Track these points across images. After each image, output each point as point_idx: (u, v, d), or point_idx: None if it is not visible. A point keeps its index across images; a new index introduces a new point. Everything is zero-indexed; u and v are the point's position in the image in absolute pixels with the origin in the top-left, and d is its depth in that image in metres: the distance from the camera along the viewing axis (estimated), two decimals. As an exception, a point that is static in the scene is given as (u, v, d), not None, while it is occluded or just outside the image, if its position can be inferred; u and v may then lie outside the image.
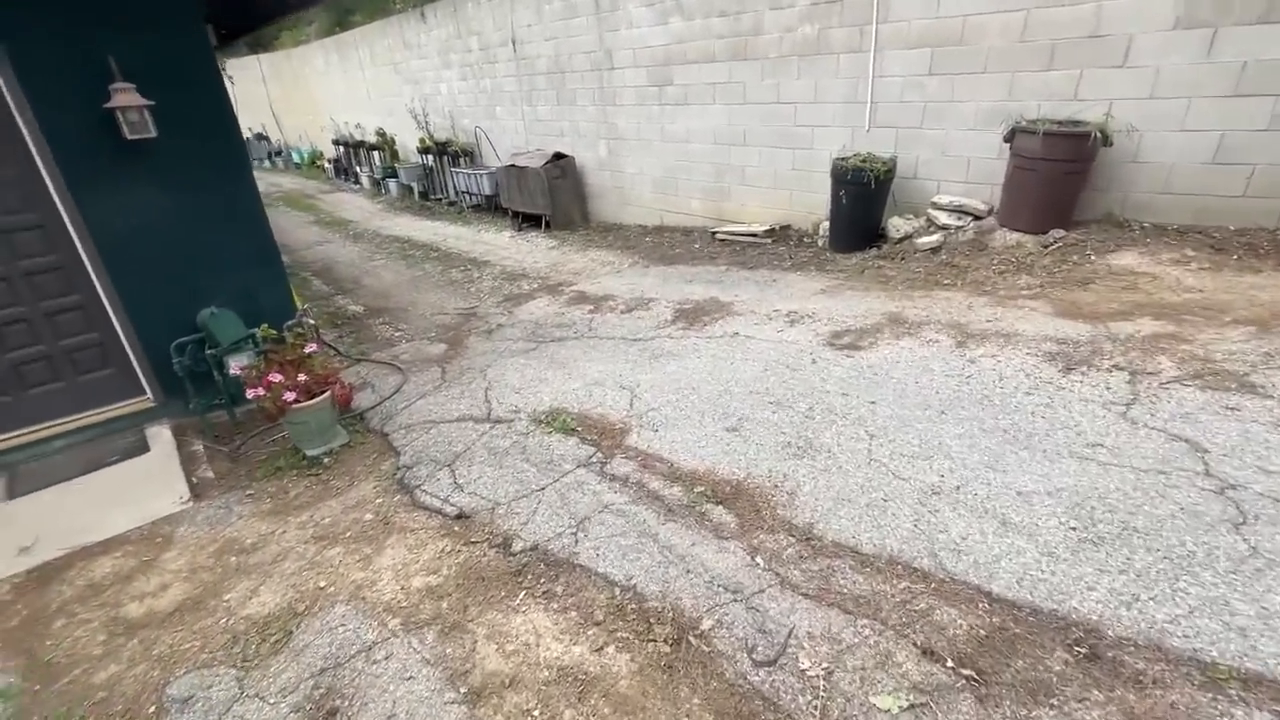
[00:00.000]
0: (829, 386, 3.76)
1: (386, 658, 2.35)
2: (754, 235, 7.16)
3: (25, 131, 3.66)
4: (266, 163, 21.04)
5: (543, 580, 2.58)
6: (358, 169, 15.27)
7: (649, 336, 4.98)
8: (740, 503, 2.87)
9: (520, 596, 2.52)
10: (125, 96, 3.72)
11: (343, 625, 2.55)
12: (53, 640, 2.75)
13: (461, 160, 11.54)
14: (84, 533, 3.39)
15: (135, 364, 4.30)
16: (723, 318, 5.12)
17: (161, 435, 4.26)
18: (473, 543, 2.89)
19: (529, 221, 9.62)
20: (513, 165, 9.38)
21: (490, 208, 10.79)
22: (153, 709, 2.35)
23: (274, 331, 3.92)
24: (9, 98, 3.57)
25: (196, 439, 4.30)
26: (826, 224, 6.51)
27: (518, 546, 2.79)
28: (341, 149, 15.74)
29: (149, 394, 4.41)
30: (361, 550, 3.01)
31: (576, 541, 2.76)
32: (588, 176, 9.52)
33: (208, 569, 3.07)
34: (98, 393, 4.27)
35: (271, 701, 2.26)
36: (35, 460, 4.04)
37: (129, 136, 3.75)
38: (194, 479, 3.87)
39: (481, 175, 10.48)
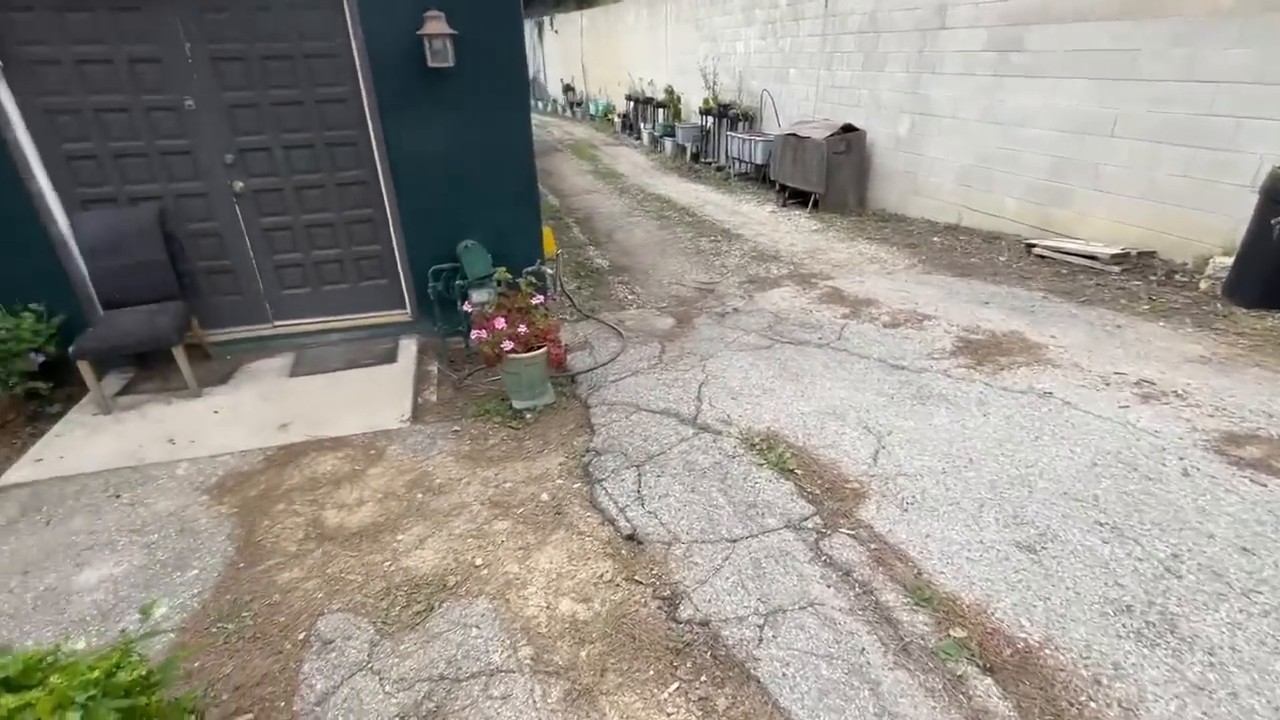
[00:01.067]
0: (1214, 526, 2.40)
1: (504, 698, 1.98)
2: (1093, 258, 5.36)
3: (355, 53, 3.98)
4: (568, 112, 23.06)
5: (704, 678, 1.97)
6: (641, 125, 15.72)
7: (916, 366, 3.91)
8: (1027, 684, 1.87)
9: (671, 689, 1.95)
10: (435, 24, 3.82)
11: (478, 629, 2.26)
12: (269, 522, 2.98)
13: (740, 125, 10.98)
14: (325, 425, 3.71)
15: (402, 279, 4.65)
16: (1029, 364, 3.80)
17: (409, 350, 4.57)
18: (636, 581, 2.39)
19: (796, 198, 8.73)
20: (792, 134, 8.51)
21: (758, 178, 10.11)
22: (302, 636, 2.33)
23: (509, 275, 3.83)
24: (348, 15, 3.88)
25: (434, 360, 4.53)
26: (1227, 261, 4.51)
27: (685, 613, 2.21)
28: (631, 104, 16.33)
29: (407, 309, 4.76)
30: (525, 537, 2.72)
31: (760, 640, 2.08)
32: (876, 156, 8.22)
33: (396, 498, 3.08)
34: (371, 299, 4.73)
35: (387, 690, 2.06)
36: (315, 348, 4.63)
37: (430, 64, 3.87)
38: (419, 399, 4.04)
39: (756, 142, 9.80)
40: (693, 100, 12.98)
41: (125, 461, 3.43)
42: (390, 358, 4.47)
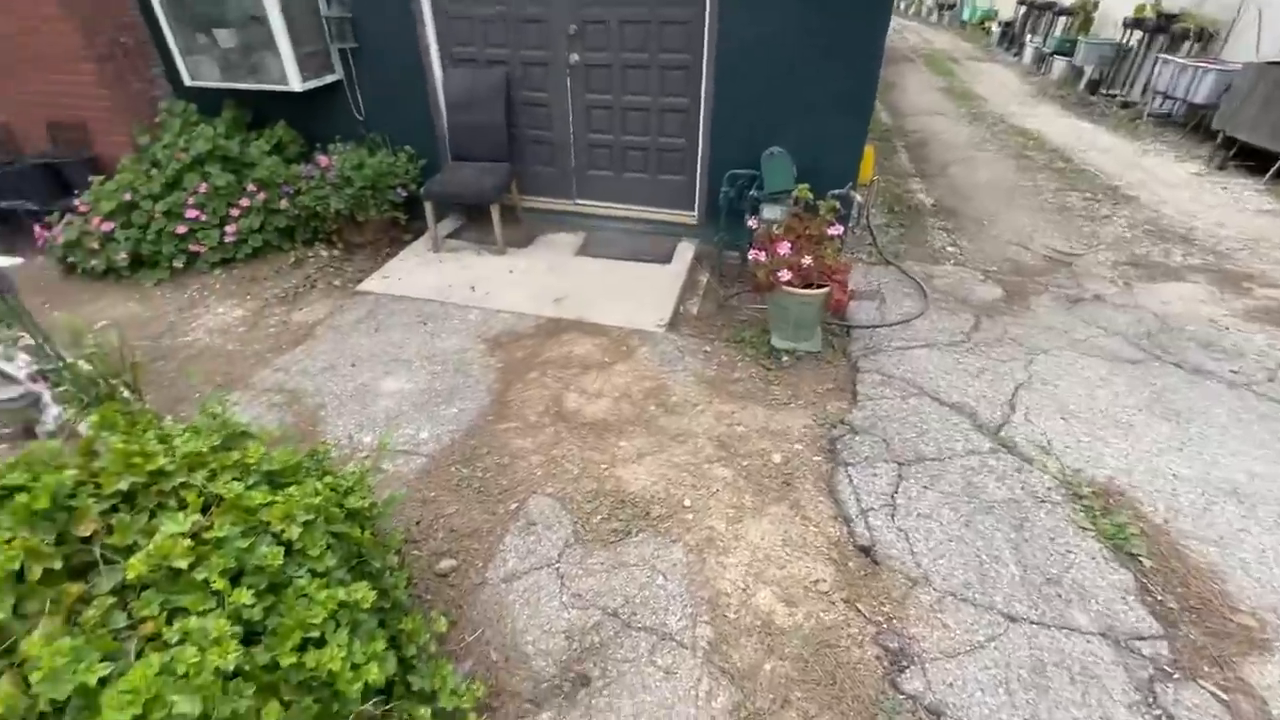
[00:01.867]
0: None
1: (666, 673, 1.75)
2: None
3: (713, -85, 3.56)
4: (934, 16, 19.68)
5: (912, 785, 1.48)
6: (1027, 38, 12.58)
7: None
8: None
9: (864, 774, 1.51)
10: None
11: (664, 579, 2.05)
12: (521, 386, 3.16)
13: (1184, 46, 7.94)
14: (592, 309, 3.79)
15: (697, 180, 4.40)
16: None
17: (685, 254, 4.40)
18: (857, 608, 1.91)
19: (1248, 161, 6.11)
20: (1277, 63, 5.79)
21: (1188, 125, 7.33)
22: (514, 506, 2.41)
23: (810, 195, 3.27)
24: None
25: (705, 271, 4.30)
26: None
27: (912, 685, 1.68)
28: (1023, 9, 13.10)
29: (695, 212, 4.54)
30: (742, 496, 2.40)
31: (1013, 782, 1.48)
32: None
33: (630, 402, 3.00)
34: (664, 194, 4.61)
35: (562, 600, 2.00)
36: (604, 232, 4.74)
37: (790, -73, 3.27)
38: (681, 308, 3.87)
39: (1205, 72, 6.98)
40: (1114, 7, 9.78)
41: (436, 296, 3.96)
42: (666, 258, 4.36)
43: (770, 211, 3.79)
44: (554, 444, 2.75)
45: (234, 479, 1.42)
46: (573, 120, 4.49)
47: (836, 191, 3.50)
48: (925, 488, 2.34)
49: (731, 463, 2.58)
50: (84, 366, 1.97)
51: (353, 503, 1.61)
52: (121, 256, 4.27)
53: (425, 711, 1.39)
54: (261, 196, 4.47)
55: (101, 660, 1.06)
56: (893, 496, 2.30)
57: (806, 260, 3.03)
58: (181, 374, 3.35)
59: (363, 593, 1.36)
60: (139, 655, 1.11)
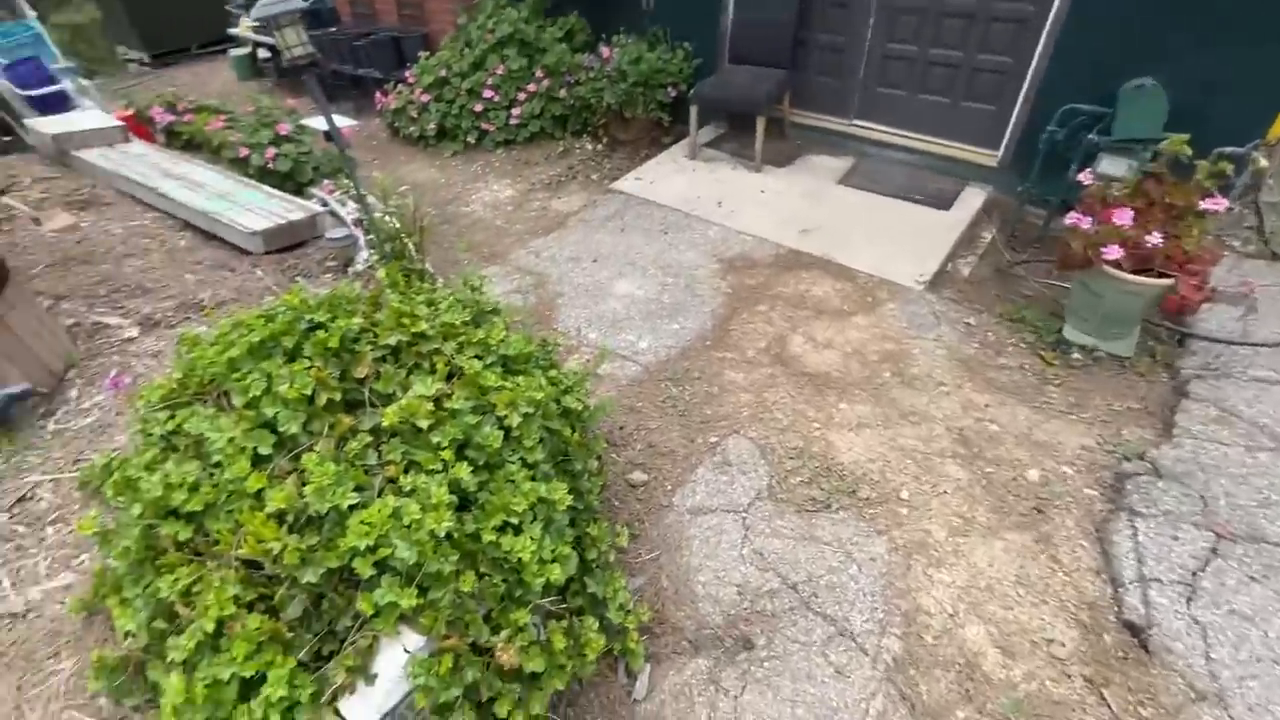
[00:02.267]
0: None
1: (837, 673, 1.58)
2: None
3: None
4: None
5: None
6: None
7: None
8: None
9: None
10: None
11: (857, 570, 1.83)
12: (747, 316, 3.01)
13: None
14: (841, 249, 3.41)
15: (1014, 112, 3.56)
16: None
17: (970, 201, 3.69)
18: (1101, 695, 1.50)
19: None
20: None
21: None
22: (714, 440, 2.34)
23: (1185, 150, 2.40)
24: None
25: (993, 226, 3.57)
26: None
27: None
28: None
29: (998, 151, 3.73)
30: (976, 507, 2.01)
31: None
32: None
33: (862, 362, 2.67)
34: (963, 125, 3.84)
35: (742, 553, 1.90)
36: (876, 161, 4.15)
37: None
38: (949, 265, 3.30)
39: None
40: None
41: (682, 205, 3.88)
42: (946, 203, 3.69)
43: (1111, 165, 2.93)
44: (768, 386, 2.59)
45: (475, 356, 1.51)
46: (873, 24, 3.87)
47: (1230, 150, 2.54)
48: (1252, 579, 1.71)
49: (971, 464, 2.17)
50: (388, 223, 2.29)
51: (569, 402, 1.65)
52: (431, 127, 4.90)
53: (593, 621, 1.42)
54: (546, 83, 4.71)
55: (354, 489, 1.22)
56: (1195, 575, 1.73)
57: (1153, 238, 2.28)
58: (457, 241, 3.81)
59: (560, 493, 1.39)
60: (380, 493, 1.26)
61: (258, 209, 3.11)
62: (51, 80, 5.36)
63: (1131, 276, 2.36)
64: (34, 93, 5.23)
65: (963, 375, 2.59)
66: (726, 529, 1.99)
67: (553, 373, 1.72)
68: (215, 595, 1.12)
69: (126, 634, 1.22)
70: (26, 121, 4.09)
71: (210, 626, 1.10)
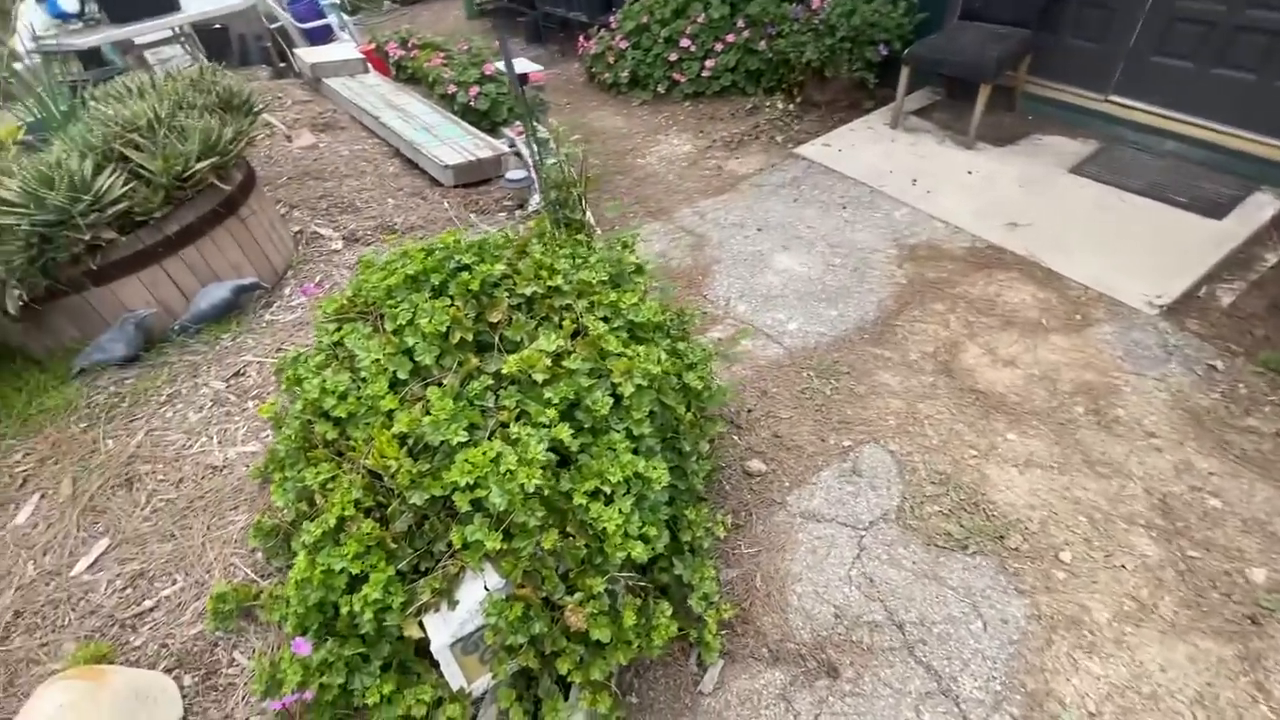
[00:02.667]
0: None
1: (931, 739, 1.39)
2: None
3: None
4: None
5: None
6: None
7: None
8: None
9: None
10: None
11: (983, 629, 1.58)
12: (919, 313, 2.68)
13: None
14: (1054, 250, 2.88)
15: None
16: None
17: (1258, 212, 2.89)
18: None
19: None
20: None
21: None
22: (847, 443, 2.15)
23: None
24: None
25: (1282, 248, 2.78)
26: None
27: None
28: None
29: (1317, 151, 2.84)
30: (1162, 594, 1.63)
31: None
32: None
33: (1051, 389, 2.26)
34: (1268, 112, 2.97)
35: (850, 573, 1.73)
36: (1131, 149, 3.39)
37: None
38: (1205, 289, 2.65)
39: None
40: None
41: (870, 179, 3.52)
42: (1216, 210, 2.93)
43: None
44: (925, 396, 2.30)
45: (603, 318, 1.50)
46: (1164, -26, 3.09)
47: None
48: None
49: (1170, 542, 1.76)
50: (557, 170, 2.34)
51: (690, 379, 1.58)
52: (624, 74, 4.92)
53: (667, 607, 1.39)
54: (746, 34, 4.47)
55: (467, 427, 1.29)
56: None
57: None
58: (610, 204, 3.83)
59: (659, 472, 1.35)
60: (491, 435, 1.32)
61: (454, 143, 3.37)
62: (320, 15, 6.23)
63: None
64: (307, 25, 6.13)
65: (1188, 430, 2.08)
66: (839, 543, 1.83)
67: (682, 344, 1.66)
68: (341, 495, 1.25)
69: (280, 507, 1.43)
70: (296, 51, 4.80)
71: (333, 521, 1.24)
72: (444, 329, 1.37)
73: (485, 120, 3.83)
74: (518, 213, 2.95)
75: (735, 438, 2.20)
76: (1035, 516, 1.85)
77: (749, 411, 2.29)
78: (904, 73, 3.69)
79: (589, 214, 2.66)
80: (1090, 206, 3.09)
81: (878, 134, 3.91)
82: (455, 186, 3.23)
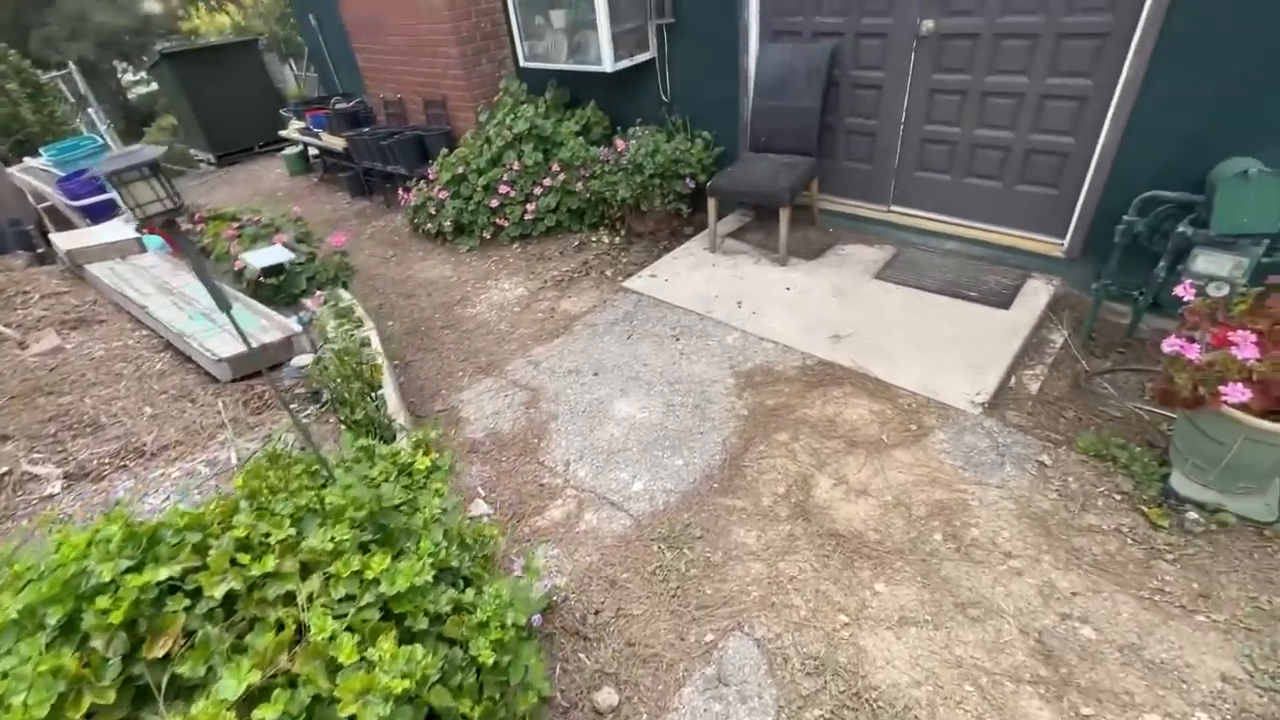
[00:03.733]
0: None
1: None
2: None
3: None
4: None
5: None
6: None
7: None
8: None
9: None
10: None
11: None
12: (764, 449, 2.53)
13: None
14: (878, 358, 2.92)
15: (1080, 197, 3.06)
16: None
17: (1035, 299, 3.15)
18: None
19: None
20: None
21: None
22: (709, 638, 1.84)
23: (1328, 258, 1.85)
24: None
25: (1064, 328, 3.01)
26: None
27: None
28: None
29: (1064, 241, 3.20)
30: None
31: None
32: None
33: (907, 517, 2.14)
34: (1019, 212, 3.36)
35: None
36: (919, 251, 3.69)
37: None
38: (1013, 379, 2.76)
39: None
40: None
41: (698, 307, 3.50)
42: (1004, 301, 3.17)
43: (1211, 262, 2.39)
44: (785, 551, 2.08)
45: (343, 599, 1.12)
46: (908, 107, 3.50)
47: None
48: None
49: (1061, 699, 1.58)
50: (332, 363, 1.99)
51: (480, 650, 1.21)
52: (448, 224, 4.78)
53: None
54: (561, 177, 4.54)
55: None
56: None
57: (1295, 378, 1.71)
58: (458, 347, 3.53)
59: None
60: None
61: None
62: (100, 190, 5.62)
63: (1266, 424, 1.78)
64: (83, 202, 5.49)
65: (1039, 541, 2.01)
66: (715, 791, 1.47)
67: (469, 594, 1.30)
68: None
69: None
70: (52, 235, 4.17)
71: None
72: (52, 701, 0.91)
73: (281, 294, 3.43)
74: (313, 408, 2.52)
75: (582, 656, 1.82)
76: (922, 696, 1.61)
77: (596, 614, 1.94)
78: (711, 203, 3.84)
79: (390, 396, 2.30)
80: (899, 309, 3.24)
81: (699, 259, 3.99)
82: (235, 380, 2.75)
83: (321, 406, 2.41)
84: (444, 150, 5.08)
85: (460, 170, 4.78)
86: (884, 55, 3.47)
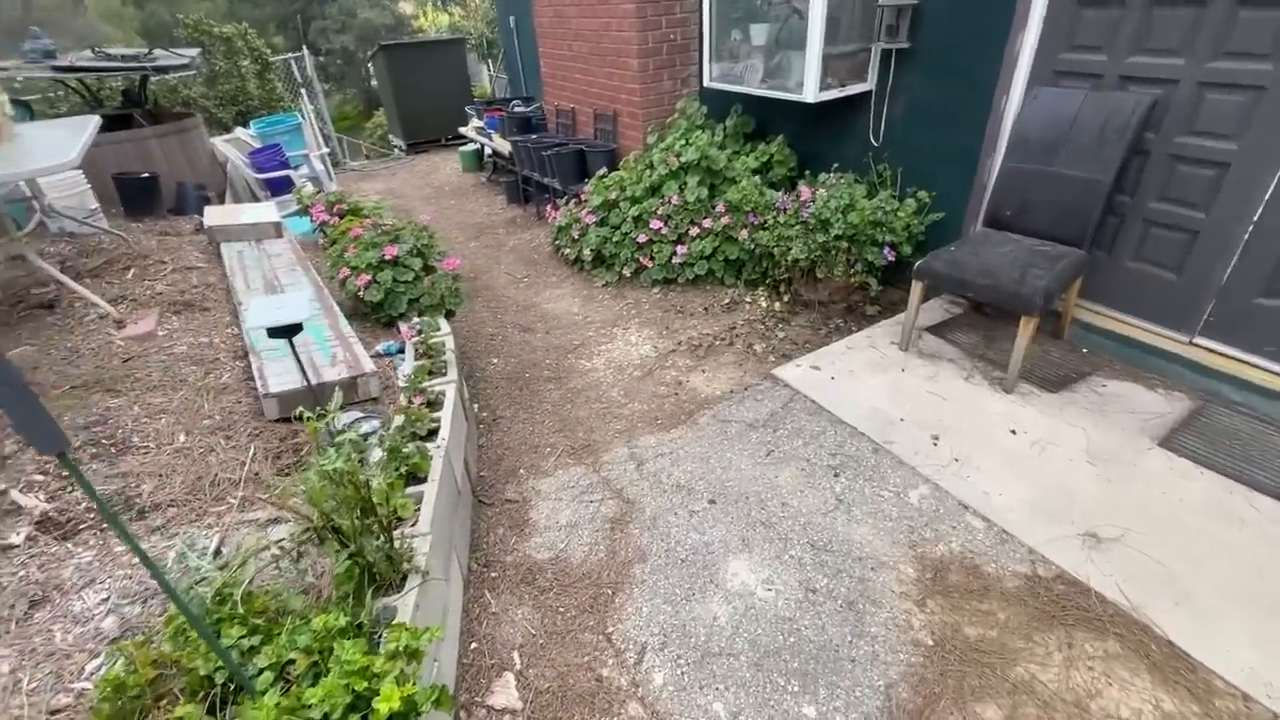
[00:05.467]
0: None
1: None
2: None
3: None
4: None
5: None
6: None
7: None
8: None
9: None
10: None
11: None
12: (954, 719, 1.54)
13: None
14: (1174, 601, 1.78)
15: None
16: None
17: None
18: None
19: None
20: None
21: None
22: None
23: None
24: None
25: None
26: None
27: None
28: None
29: None
30: None
31: None
32: None
33: None
34: None
35: None
36: (1238, 414, 2.39)
37: None
38: None
39: None
40: None
41: (872, 430, 2.53)
42: None
43: None
44: None
45: None
46: (1269, 201, 2.27)
47: None
48: None
49: None
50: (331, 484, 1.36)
51: None
52: (588, 252, 4.21)
53: None
54: (725, 220, 3.76)
55: None
56: None
57: None
58: (557, 412, 2.88)
59: None
60: None
61: (303, 353, 2.49)
62: (285, 165, 5.83)
63: None
64: (265, 175, 5.71)
65: None
66: None
67: None
68: None
69: None
70: (206, 209, 4.18)
71: None
72: None
73: (379, 314, 3.01)
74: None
75: None
76: None
77: None
78: (916, 286, 2.83)
79: (426, 516, 1.64)
80: (1206, 512, 2.03)
81: (884, 357, 2.99)
82: (278, 420, 2.28)
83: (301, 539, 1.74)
84: (603, 169, 4.53)
85: (614, 195, 4.19)
86: (1245, 120, 2.26)
